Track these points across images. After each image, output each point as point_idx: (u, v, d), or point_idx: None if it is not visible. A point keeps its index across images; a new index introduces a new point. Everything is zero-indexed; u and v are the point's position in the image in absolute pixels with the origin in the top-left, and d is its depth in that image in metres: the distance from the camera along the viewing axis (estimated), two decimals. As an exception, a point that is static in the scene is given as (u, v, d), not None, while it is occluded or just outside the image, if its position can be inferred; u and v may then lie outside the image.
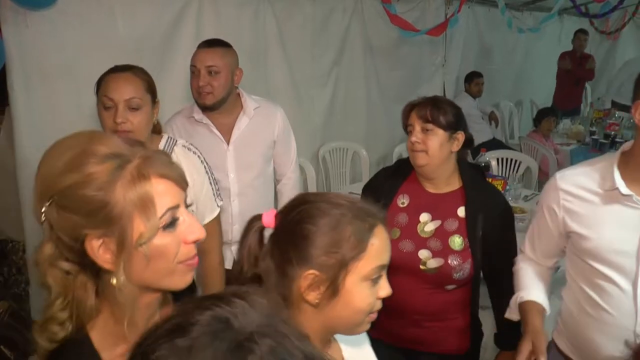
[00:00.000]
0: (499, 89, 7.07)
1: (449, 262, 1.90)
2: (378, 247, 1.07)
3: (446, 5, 5.47)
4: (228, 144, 2.47)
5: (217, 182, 2.10)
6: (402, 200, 2.05)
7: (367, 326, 1.14)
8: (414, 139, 1.93)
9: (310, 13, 4.20)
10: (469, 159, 4.24)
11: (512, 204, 3.68)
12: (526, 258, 1.88)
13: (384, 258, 1.09)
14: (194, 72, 2.35)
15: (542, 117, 5.60)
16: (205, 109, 2.40)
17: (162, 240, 0.96)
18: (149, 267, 0.97)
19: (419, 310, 1.98)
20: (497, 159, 4.74)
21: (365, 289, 1.07)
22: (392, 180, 2.09)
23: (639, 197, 1.54)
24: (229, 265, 2.49)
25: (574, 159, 5.26)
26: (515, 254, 2.00)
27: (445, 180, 2.01)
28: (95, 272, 0.98)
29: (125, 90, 1.78)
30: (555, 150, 5.38)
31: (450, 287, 1.95)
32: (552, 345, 1.87)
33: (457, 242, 1.93)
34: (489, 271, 2.03)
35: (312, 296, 1.06)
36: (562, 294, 1.83)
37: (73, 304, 0.99)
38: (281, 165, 2.74)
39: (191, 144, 2.04)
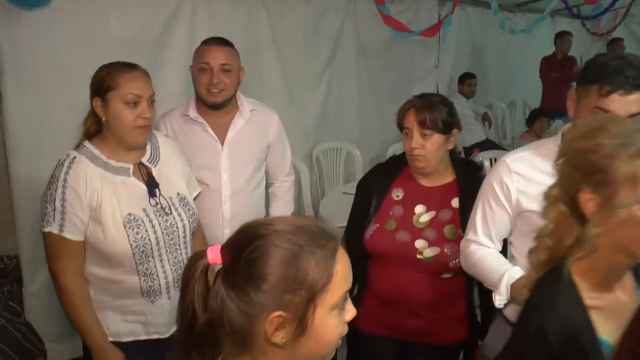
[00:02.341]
0: (492, 89, 7.09)
1: (445, 250, 1.97)
2: (342, 273, 1.00)
3: (439, 6, 5.49)
4: (222, 144, 2.45)
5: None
6: (397, 194, 2.11)
7: (332, 355, 1.07)
8: (413, 144, 1.98)
9: (303, 14, 4.21)
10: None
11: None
12: (479, 245, 1.87)
13: (349, 281, 1.03)
14: (205, 68, 2.33)
15: (534, 117, 5.63)
16: (214, 107, 2.39)
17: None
18: (621, 232, 1.16)
19: (416, 300, 2.01)
20: (490, 160, 4.76)
21: (334, 319, 1.01)
22: (386, 176, 2.15)
23: None
24: None
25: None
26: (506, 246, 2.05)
27: (440, 174, 2.08)
28: (581, 220, 1.21)
29: (149, 86, 1.90)
30: (547, 150, 5.39)
31: (446, 275, 2.00)
32: (497, 313, 1.91)
33: (451, 231, 2.00)
34: None
35: (279, 338, 0.97)
36: None
37: (557, 238, 1.26)
38: (275, 169, 2.72)
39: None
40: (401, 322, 2.05)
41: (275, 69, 4.08)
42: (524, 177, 1.73)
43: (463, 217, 1.99)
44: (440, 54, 5.77)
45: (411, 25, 4.94)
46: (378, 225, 2.06)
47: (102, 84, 1.85)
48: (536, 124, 5.56)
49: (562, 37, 6.87)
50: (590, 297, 1.20)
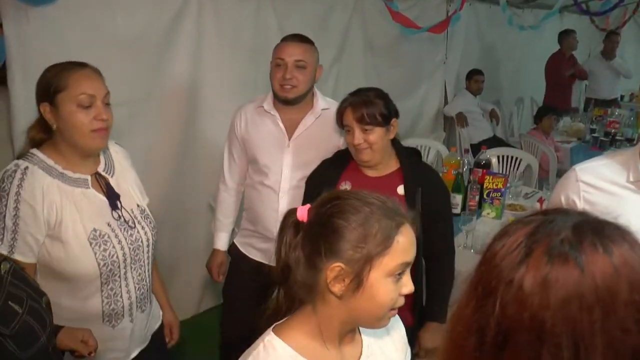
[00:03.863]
0: (500, 86, 7.07)
1: None
2: (403, 245, 1.11)
3: (447, 2, 5.46)
4: (289, 140, 2.45)
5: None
6: (345, 187, 2.16)
7: (388, 321, 1.19)
8: (356, 141, 2.07)
9: (310, 10, 4.19)
10: (471, 156, 4.24)
11: (512, 201, 3.70)
12: None
13: (409, 256, 1.13)
14: (280, 64, 2.36)
15: (542, 114, 5.59)
16: (286, 102, 2.39)
17: None
18: None
19: None
20: (498, 157, 4.74)
21: (388, 285, 1.11)
22: (332, 170, 2.23)
23: None
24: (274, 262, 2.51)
25: (574, 157, 5.26)
26: (451, 231, 2.23)
27: (385, 164, 2.16)
28: None
29: (103, 84, 1.73)
30: (555, 147, 5.38)
31: None
32: None
33: None
34: (428, 248, 2.12)
35: (337, 288, 1.11)
36: None
37: None
38: None
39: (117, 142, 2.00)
40: None
41: (282, 65, 4.06)
42: (593, 186, 1.68)
43: (409, 202, 2.06)
44: (448, 51, 5.75)
45: (418, 22, 4.93)
46: None
47: (48, 87, 1.65)
48: (544, 121, 5.52)
49: (568, 35, 6.84)
50: None
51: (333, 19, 4.43)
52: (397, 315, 1.31)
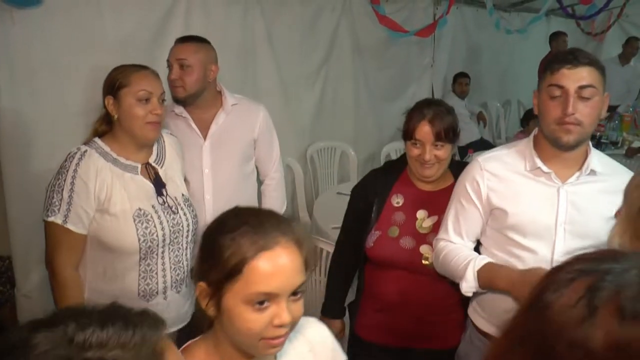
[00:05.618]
0: (487, 89, 7.09)
1: None
2: (261, 273, 1.00)
3: (434, 5, 5.48)
4: (205, 139, 2.48)
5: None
6: (397, 200, 2.08)
7: (268, 350, 1.06)
8: (427, 157, 1.94)
9: (299, 12, 4.20)
10: (458, 159, 4.26)
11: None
12: (448, 242, 1.87)
13: (270, 285, 1.01)
14: (169, 66, 2.40)
15: (529, 117, 5.61)
16: (178, 102, 2.44)
17: None
18: None
19: (420, 303, 2.01)
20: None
21: (246, 313, 1.01)
22: (383, 181, 2.12)
23: (556, 175, 1.71)
24: None
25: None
26: None
27: (441, 179, 2.05)
28: None
29: (159, 84, 2.00)
30: (542, 150, 5.40)
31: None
32: (469, 323, 1.95)
33: None
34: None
35: (208, 307, 1.07)
36: None
37: None
38: (263, 165, 2.74)
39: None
40: (403, 328, 2.04)
41: (270, 67, 4.07)
42: (495, 175, 1.79)
43: None
44: (436, 54, 5.76)
45: (406, 25, 4.94)
46: (380, 232, 2.03)
47: (114, 83, 1.92)
48: (530, 124, 5.54)
49: (557, 37, 6.86)
50: None
51: (321, 21, 4.44)
52: (325, 332, 1.26)
